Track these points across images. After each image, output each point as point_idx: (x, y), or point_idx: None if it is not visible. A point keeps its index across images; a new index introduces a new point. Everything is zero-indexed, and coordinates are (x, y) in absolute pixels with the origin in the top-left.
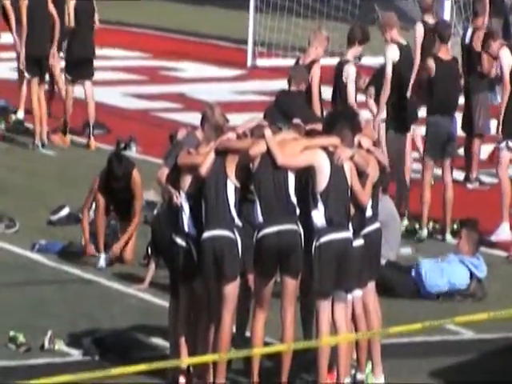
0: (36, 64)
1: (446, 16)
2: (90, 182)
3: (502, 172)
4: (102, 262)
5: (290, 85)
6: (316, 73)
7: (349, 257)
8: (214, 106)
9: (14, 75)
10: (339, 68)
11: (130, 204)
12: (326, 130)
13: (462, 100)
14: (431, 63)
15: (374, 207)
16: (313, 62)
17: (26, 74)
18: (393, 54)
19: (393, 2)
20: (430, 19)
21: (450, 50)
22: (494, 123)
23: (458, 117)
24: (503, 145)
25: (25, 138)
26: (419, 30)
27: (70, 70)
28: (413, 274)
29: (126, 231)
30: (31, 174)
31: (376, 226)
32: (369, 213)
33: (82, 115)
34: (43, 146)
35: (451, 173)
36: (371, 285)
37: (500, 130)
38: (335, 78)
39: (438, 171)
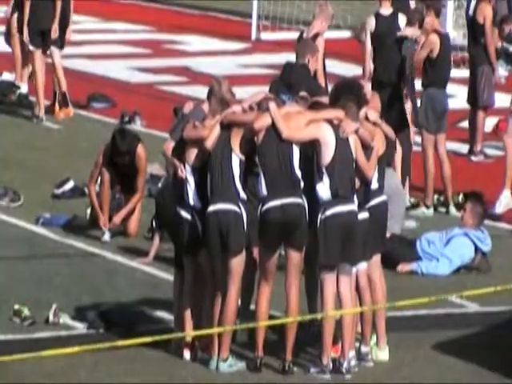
0: (39, 37)
1: None
2: (94, 156)
3: (508, 140)
4: (106, 235)
5: (296, 58)
6: (320, 46)
7: (354, 230)
8: (222, 81)
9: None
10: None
11: (134, 178)
12: (332, 103)
13: (466, 72)
14: (435, 38)
15: (380, 180)
16: (316, 35)
17: (30, 47)
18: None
19: None
20: None
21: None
22: (497, 96)
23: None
24: None
25: (28, 111)
26: None
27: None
28: (417, 247)
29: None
30: (35, 147)
31: (382, 198)
32: (374, 185)
33: (85, 89)
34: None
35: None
36: (376, 257)
37: None
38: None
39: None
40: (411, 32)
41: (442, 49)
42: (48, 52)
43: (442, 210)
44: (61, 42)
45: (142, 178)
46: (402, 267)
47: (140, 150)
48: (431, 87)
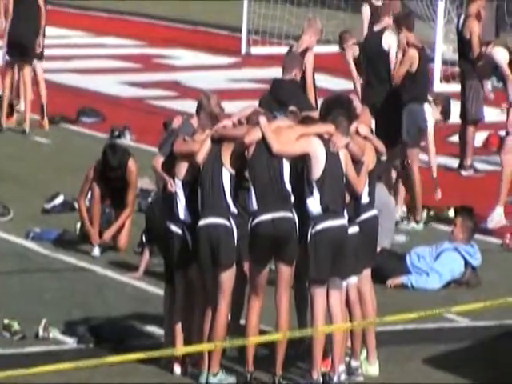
0: (18, 50)
1: (441, 3)
2: (84, 170)
3: (505, 157)
4: (96, 250)
5: (283, 73)
6: (310, 60)
7: (344, 244)
8: (211, 95)
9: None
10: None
11: (125, 193)
12: (322, 118)
13: (456, 87)
14: (413, 53)
15: (371, 194)
16: (306, 50)
17: (7, 58)
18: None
19: None
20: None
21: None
22: (488, 111)
23: None
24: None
25: (18, 126)
26: (365, 11)
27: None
28: (407, 261)
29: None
30: (25, 161)
31: (373, 213)
32: (365, 200)
33: (75, 103)
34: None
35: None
36: (367, 272)
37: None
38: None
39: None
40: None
41: (421, 63)
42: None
43: (433, 224)
44: (41, 54)
45: (132, 193)
46: (392, 281)
47: (131, 164)
48: (412, 102)
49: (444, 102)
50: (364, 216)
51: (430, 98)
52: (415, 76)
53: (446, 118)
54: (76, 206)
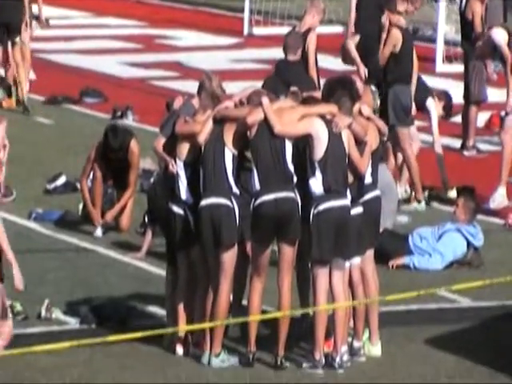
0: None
1: None
2: (86, 151)
3: (505, 136)
4: (98, 231)
5: (286, 53)
6: (312, 41)
7: (347, 224)
8: (212, 76)
9: None
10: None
11: (127, 173)
12: (325, 98)
13: (458, 67)
14: (397, 33)
15: (374, 174)
16: (309, 30)
17: None
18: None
19: None
20: None
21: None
22: (491, 91)
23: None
24: (510, 110)
25: (18, 106)
26: None
27: None
28: (409, 242)
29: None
30: (27, 142)
31: (376, 193)
32: (368, 180)
33: (77, 83)
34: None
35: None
36: (370, 252)
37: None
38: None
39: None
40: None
41: (404, 44)
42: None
43: (435, 204)
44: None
45: (134, 173)
46: (394, 261)
47: (133, 145)
48: (397, 83)
49: (446, 99)
50: (367, 196)
51: (433, 92)
52: (399, 57)
53: (448, 115)
54: (78, 186)
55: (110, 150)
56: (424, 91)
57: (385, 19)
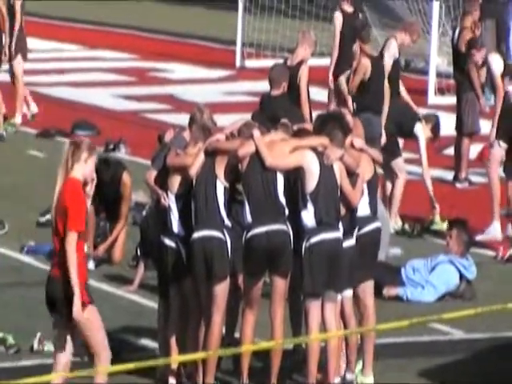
0: None
1: (435, 16)
2: None
3: (490, 170)
4: (91, 264)
5: (271, 87)
6: (304, 73)
7: (339, 257)
8: (203, 108)
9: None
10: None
11: (119, 205)
12: (316, 131)
13: (451, 99)
14: (366, 62)
15: (373, 206)
16: (301, 63)
17: None
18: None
19: (381, 2)
20: (348, 8)
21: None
22: (483, 123)
23: None
24: (495, 143)
25: (13, 139)
26: (338, 17)
27: None
28: (402, 274)
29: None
30: (19, 175)
31: (376, 225)
32: (366, 211)
33: (69, 116)
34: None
35: None
36: (370, 284)
37: (494, 132)
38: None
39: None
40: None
41: (374, 72)
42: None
43: (428, 236)
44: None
45: (126, 206)
46: (388, 291)
47: (125, 177)
48: (366, 111)
49: (434, 121)
50: (366, 228)
51: (420, 115)
52: (368, 85)
53: (436, 136)
54: None
55: (101, 182)
56: (412, 120)
57: (356, 48)
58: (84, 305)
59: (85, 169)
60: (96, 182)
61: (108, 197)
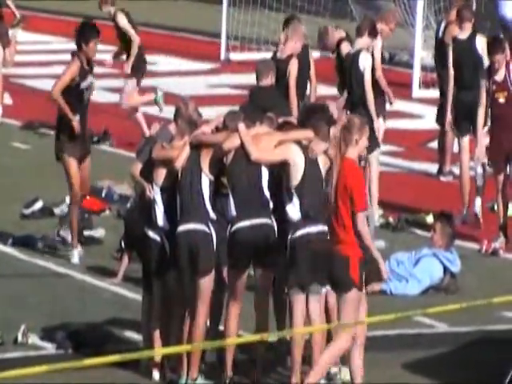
0: None
1: (419, 9)
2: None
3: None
4: (75, 258)
5: (258, 79)
6: (294, 66)
7: (324, 250)
8: (188, 102)
9: None
10: (355, 58)
11: None
12: (301, 124)
13: (435, 93)
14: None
15: None
16: (290, 56)
17: None
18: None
19: None
20: None
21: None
22: None
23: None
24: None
25: None
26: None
27: None
28: (386, 267)
29: None
30: (4, 167)
31: None
32: None
33: (54, 108)
34: None
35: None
36: None
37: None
38: (349, 67)
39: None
40: (363, 43)
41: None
42: None
43: (412, 229)
44: None
45: None
46: (372, 287)
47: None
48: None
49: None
50: None
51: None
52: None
53: None
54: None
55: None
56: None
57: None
58: None
59: (357, 149)
60: None
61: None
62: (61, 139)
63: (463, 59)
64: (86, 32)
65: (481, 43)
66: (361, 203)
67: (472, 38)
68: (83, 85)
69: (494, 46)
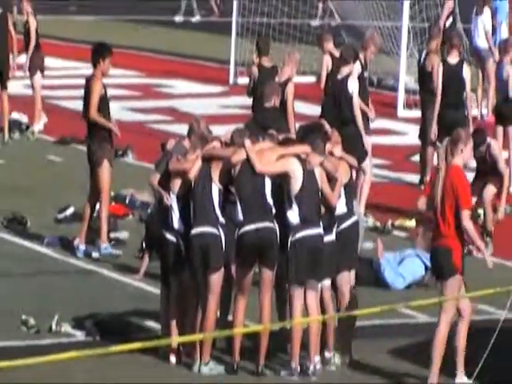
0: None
1: (404, 40)
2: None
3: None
4: (95, 253)
5: (263, 100)
6: (290, 90)
7: (320, 250)
8: (200, 119)
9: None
10: (343, 83)
11: None
12: (301, 140)
13: (417, 113)
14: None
15: (349, 204)
16: (288, 80)
17: None
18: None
19: (356, 29)
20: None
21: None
22: None
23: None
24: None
25: (34, 146)
26: (327, 60)
27: None
28: (373, 266)
29: None
30: (39, 177)
31: (352, 220)
32: (344, 210)
33: (83, 126)
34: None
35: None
36: (347, 274)
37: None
38: (339, 91)
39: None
40: (349, 70)
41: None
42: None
43: (397, 233)
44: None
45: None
46: (380, 251)
47: None
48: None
49: None
50: (345, 224)
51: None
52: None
53: None
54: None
55: None
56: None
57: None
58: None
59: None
60: None
61: None
62: (102, 146)
63: (451, 81)
64: (102, 50)
65: (466, 70)
66: (467, 202)
67: (460, 64)
68: (107, 96)
69: None
